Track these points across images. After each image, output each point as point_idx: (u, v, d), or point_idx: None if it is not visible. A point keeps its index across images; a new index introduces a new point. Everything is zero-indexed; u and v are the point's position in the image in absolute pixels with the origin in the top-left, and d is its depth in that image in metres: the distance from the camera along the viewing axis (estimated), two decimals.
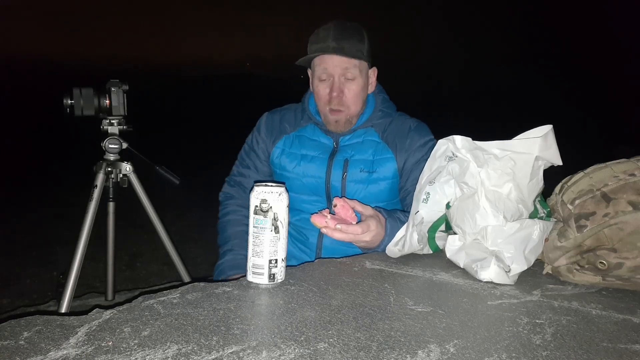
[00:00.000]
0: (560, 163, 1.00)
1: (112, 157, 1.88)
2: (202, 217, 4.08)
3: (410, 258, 1.09)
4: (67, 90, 1.76)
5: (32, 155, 6.41)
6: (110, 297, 2.13)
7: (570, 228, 0.99)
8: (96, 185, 1.84)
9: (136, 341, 0.65)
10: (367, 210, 1.10)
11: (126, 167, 1.90)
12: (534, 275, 1.02)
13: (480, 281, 0.96)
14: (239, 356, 0.63)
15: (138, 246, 3.49)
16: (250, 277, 0.88)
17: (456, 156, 1.04)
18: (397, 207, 1.44)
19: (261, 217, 0.85)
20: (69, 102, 1.76)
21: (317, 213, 1.03)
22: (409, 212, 1.13)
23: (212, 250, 3.48)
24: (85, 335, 0.66)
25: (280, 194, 0.86)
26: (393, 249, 1.08)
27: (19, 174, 5.47)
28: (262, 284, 0.87)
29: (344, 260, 1.06)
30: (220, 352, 0.64)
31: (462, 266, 1.01)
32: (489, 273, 0.94)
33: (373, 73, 1.45)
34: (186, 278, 2.03)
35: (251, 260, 0.87)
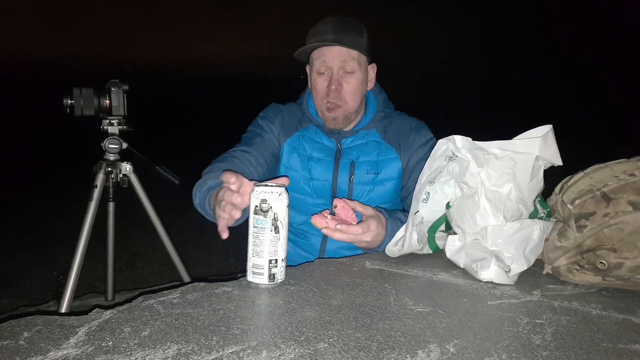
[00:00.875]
0: (560, 163, 1.00)
1: (112, 157, 1.88)
2: (202, 217, 4.04)
3: (410, 258, 1.09)
4: (67, 90, 1.76)
5: (32, 155, 6.41)
6: (110, 297, 2.13)
7: (570, 228, 0.98)
8: (96, 185, 1.84)
9: (136, 341, 0.65)
10: (368, 211, 1.09)
11: (126, 167, 1.90)
12: (534, 275, 1.02)
13: (480, 281, 0.96)
14: (239, 356, 0.63)
15: (138, 246, 3.49)
16: (250, 277, 0.88)
17: (456, 156, 1.04)
18: (401, 207, 1.42)
19: (261, 217, 0.85)
20: (69, 102, 1.76)
21: (317, 214, 1.03)
22: (409, 211, 1.13)
23: (212, 250, 3.49)
24: (85, 335, 0.66)
25: (280, 194, 0.86)
26: (392, 249, 1.08)
27: (19, 173, 5.46)
28: (262, 284, 0.87)
29: (344, 260, 1.06)
30: (220, 352, 0.64)
31: (462, 266, 1.01)
32: (489, 273, 0.94)
33: (372, 69, 1.42)
34: (186, 278, 2.03)
35: (251, 260, 0.87)
